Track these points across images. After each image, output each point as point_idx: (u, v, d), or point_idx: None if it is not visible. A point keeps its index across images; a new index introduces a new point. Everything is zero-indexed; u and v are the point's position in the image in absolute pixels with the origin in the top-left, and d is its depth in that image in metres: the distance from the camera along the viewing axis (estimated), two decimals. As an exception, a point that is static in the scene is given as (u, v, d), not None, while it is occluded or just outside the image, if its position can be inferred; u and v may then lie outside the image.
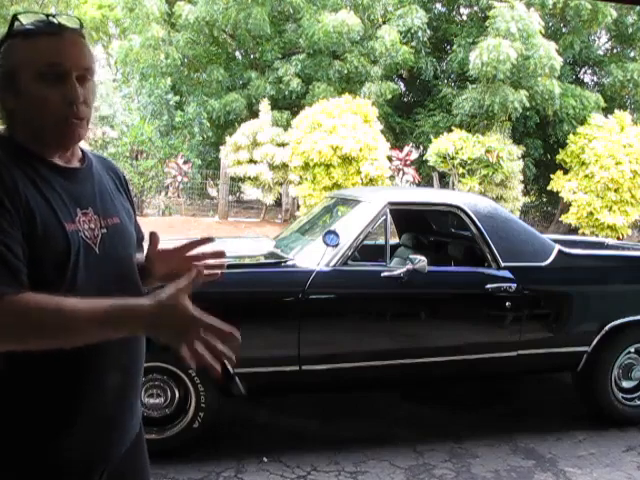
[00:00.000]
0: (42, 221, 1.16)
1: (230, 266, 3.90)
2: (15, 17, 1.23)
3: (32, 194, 1.17)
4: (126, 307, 1.11)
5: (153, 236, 1.36)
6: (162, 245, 1.47)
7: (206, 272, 1.38)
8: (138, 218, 1.51)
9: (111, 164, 1.48)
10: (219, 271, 1.45)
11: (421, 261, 3.50)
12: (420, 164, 15.53)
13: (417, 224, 4.98)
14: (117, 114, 16.78)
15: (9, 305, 1.06)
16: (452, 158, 13.49)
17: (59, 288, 1.14)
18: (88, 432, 1.24)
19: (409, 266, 3.52)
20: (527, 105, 14.19)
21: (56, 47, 1.20)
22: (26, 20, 1.23)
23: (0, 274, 1.08)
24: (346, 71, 15.74)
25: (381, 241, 4.29)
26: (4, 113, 1.25)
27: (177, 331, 1.09)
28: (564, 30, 16.63)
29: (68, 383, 1.21)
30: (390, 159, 13.26)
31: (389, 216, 3.74)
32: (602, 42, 18.66)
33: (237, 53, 18.55)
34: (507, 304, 3.68)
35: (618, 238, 12.62)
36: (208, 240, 1.41)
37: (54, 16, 1.24)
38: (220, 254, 1.44)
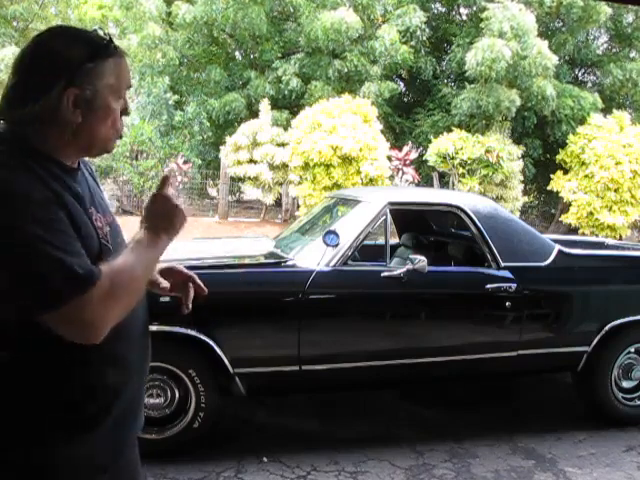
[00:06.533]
0: (80, 221, 1.20)
1: (230, 266, 3.90)
2: (110, 39, 1.26)
3: (69, 199, 1.21)
4: (137, 236, 1.26)
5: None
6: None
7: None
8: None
9: (84, 160, 1.47)
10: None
11: (421, 261, 3.50)
12: (420, 164, 15.50)
13: (417, 224, 4.98)
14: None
15: (107, 280, 1.15)
16: (452, 158, 13.47)
17: None
18: (112, 430, 1.29)
19: (409, 266, 3.52)
20: (519, 105, 14.16)
21: (128, 68, 1.30)
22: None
23: (84, 263, 1.14)
24: (345, 70, 15.71)
25: (381, 241, 4.29)
26: (56, 124, 1.22)
27: (167, 215, 1.28)
28: (564, 29, 16.62)
29: (97, 379, 1.25)
30: (390, 159, 13.25)
31: (389, 216, 3.74)
32: (601, 42, 18.64)
33: (237, 53, 18.53)
34: (507, 304, 3.68)
35: (618, 238, 12.61)
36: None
37: (108, 34, 1.29)
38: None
